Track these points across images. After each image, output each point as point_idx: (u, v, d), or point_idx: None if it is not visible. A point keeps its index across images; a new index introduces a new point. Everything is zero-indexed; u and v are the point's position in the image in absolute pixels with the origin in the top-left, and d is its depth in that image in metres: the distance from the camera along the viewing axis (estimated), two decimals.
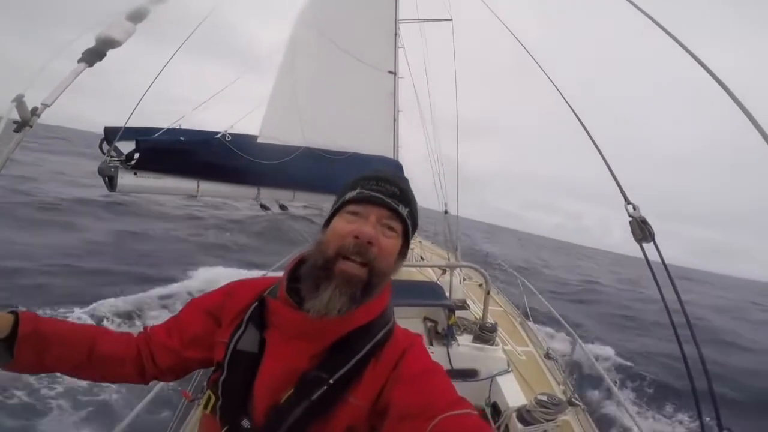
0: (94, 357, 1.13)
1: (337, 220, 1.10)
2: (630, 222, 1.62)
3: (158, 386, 2.96)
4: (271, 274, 5.75)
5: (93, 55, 1.71)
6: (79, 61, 1.69)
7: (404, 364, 1.06)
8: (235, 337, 1.12)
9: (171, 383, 1.59)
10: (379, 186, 1.12)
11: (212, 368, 1.19)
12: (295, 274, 1.14)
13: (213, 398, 1.10)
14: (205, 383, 1.18)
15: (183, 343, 1.21)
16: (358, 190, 1.12)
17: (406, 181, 1.20)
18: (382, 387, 1.03)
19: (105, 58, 1.77)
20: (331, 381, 1.00)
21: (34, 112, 1.50)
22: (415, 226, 1.20)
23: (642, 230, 1.59)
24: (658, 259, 1.62)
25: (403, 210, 1.13)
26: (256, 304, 1.16)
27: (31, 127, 1.45)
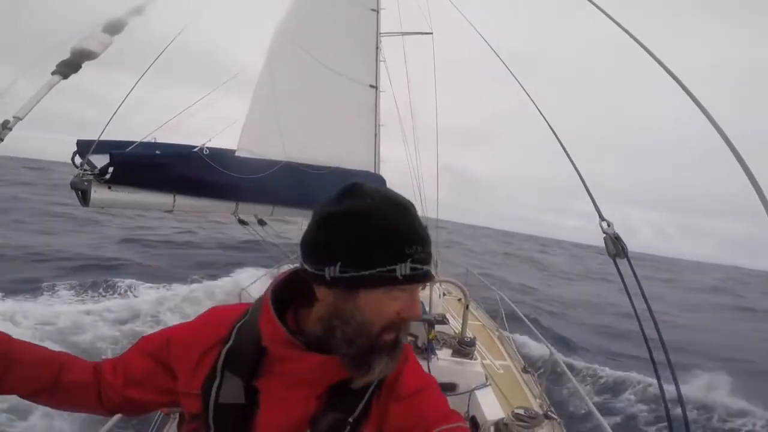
0: (59, 384, 1.05)
1: (383, 300, 0.92)
2: (604, 238, 1.64)
3: None
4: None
5: (67, 68, 1.69)
6: (53, 73, 1.66)
7: (401, 384, 1.01)
8: (213, 389, 0.99)
9: None
10: (425, 253, 0.94)
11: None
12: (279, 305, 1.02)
13: None
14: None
15: (125, 382, 1.09)
16: (411, 265, 0.90)
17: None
18: (384, 409, 0.99)
19: (80, 70, 1.74)
20: (350, 420, 0.94)
21: (6, 125, 1.47)
22: None
23: (616, 246, 1.61)
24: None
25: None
26: (230, 348, 1.01)
27: (2, 140, 1.42)
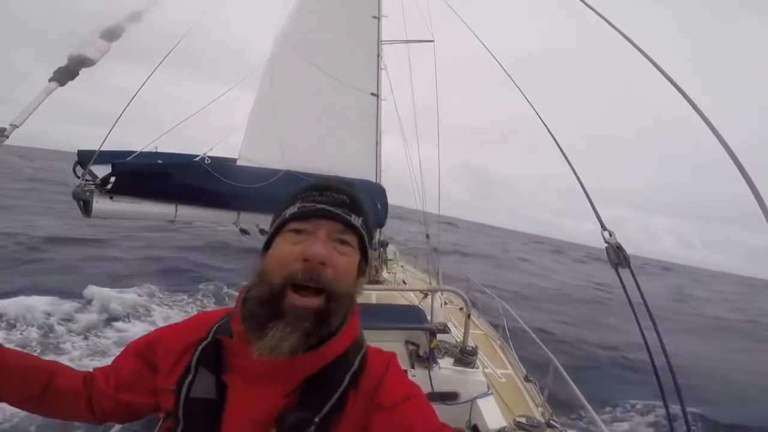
0: (48, 392, 1.06)
1: (279, 243, 0.97)
2: (606, 248, 1.64)
3: None
4: None
5: (65, 75, 1.68)
6: (50, 80, 1.66)
7: (383, 392, 0.98)
8: (185, 384, 0.98)
9: None
10: (324, 196, 1.00)
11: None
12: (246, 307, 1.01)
13: None
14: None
15: (117, 388, 1.10)
16: (299, 204, 0.99)
17: (354, 187, 1.08)
18: (364, 417, 0.96)
19: (77, 77, 1.74)
20: (316, 420, 0.90)
21: (2, 132, 1.46)
22: (371, 237, 1.08)
23: (618, 256, 1.60)
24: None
25: (356, 220, 1.01)
26: (207, 343, 1.02)
27: None
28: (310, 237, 0.95)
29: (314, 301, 0.91)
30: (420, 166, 9.72)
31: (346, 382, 0.96)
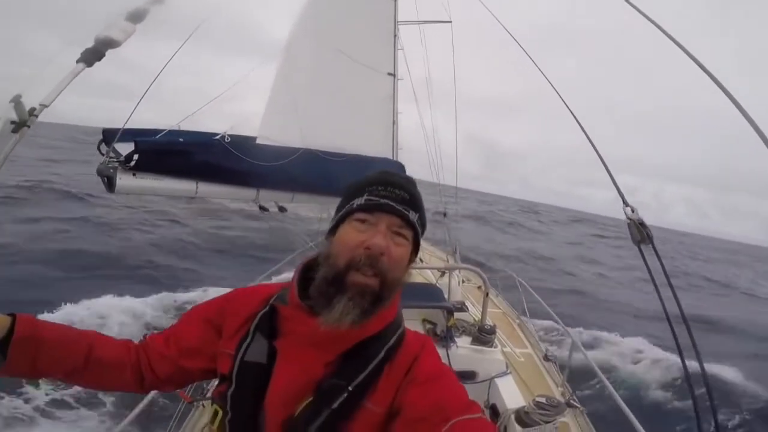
0: (90, 362, 1.09)
1: (345, 229, 1.08)
2: (628, 224, 1.62)
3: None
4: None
5: (92, 56, 1.71)
6: (78, 61, 1.69)
7: (417, 368, 1.06)
8: (242, 348, 1.08)
9: None
10: (388, 191, 1.10)
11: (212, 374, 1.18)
12: (304, 278, 1.12)
13: (221, 413, 1.07)
14: (209, 393, 1.15)
15: (180, 353, 1.18)
16: (366, 197, 1.09)
17: (414, 183, 1.17)
18: (397, 391, 1.03)
19: (104, 58, 1.76)
20: (350, 388, 0.99)
21: (32, 112, 1.49)
22: (424, 230, 1.18)
23: (640, 232, 1.59)
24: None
25: (413, 216, 1.11)
26: (265, 311, 1.13)
27: (29, 127, 1.44)
28: (373, 228, 1.06)
29: (372, 281, 1.01)
30: (435, 142, 9.67)
31: (381, 354, 1.05)
